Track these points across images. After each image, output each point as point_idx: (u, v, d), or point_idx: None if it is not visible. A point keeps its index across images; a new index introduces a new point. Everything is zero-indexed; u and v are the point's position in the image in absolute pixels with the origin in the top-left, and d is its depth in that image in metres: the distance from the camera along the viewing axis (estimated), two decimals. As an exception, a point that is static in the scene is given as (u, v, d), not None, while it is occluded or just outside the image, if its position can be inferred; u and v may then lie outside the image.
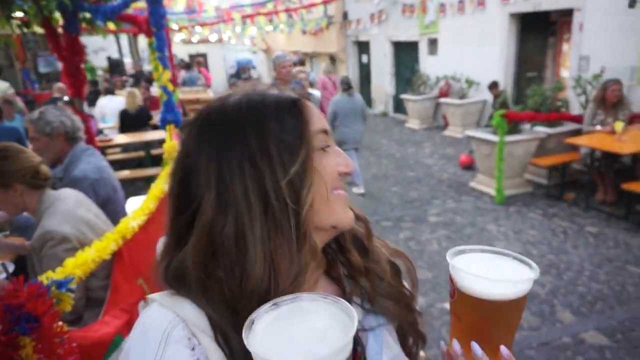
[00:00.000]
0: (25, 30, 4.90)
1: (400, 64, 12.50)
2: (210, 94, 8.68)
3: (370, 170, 7.49)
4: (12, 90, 7.25)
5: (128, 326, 1.81)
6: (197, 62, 14.01)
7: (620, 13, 6.05)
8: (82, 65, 5.01)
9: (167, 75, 4.10)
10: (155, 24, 3.96)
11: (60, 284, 1.52)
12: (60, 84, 7.71)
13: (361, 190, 6.33)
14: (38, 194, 1.99)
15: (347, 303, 0.53)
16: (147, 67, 14.42)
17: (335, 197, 0.66)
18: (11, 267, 2.21)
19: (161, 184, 2.93)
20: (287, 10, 13.26)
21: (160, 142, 5.77)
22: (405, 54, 12.05)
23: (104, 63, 15.39)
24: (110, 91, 8.38)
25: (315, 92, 6.15)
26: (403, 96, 11.40)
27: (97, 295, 2.02)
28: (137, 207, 2.62)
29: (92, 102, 8.40)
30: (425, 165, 7.68)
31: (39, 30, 5.01)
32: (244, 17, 12.12)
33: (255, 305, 0.54)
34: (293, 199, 0.61)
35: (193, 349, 0.55)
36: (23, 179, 1.93)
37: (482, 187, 6.11)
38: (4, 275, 2.17)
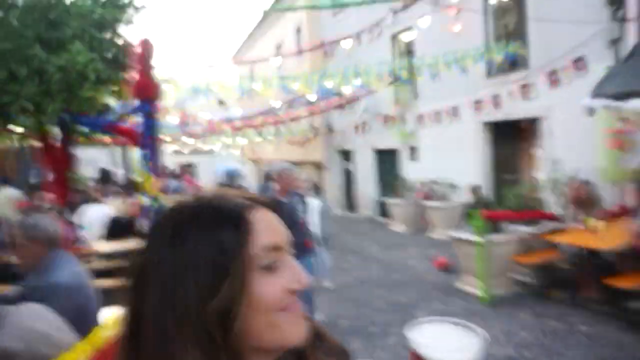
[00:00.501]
0: (23, 143, 5.15)
1: (383, 170, 13.06)
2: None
3: (355, 274, 7.42)
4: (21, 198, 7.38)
5: None
6: (184, 171, 14.46)
7: (581, 120, 6.58)
8: (70, 175, 5.18)
9: (152, 183, 4.24)
10: (147, 135, 4.20)
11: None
12: (44, 193, 7.81)
13: (328, 285, 6.36)
14: None
15: None
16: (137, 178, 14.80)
17: (282, 318, 0.61)
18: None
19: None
20: (275, 123, 14.14)
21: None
22: (387, 160, 12.66)
23: (96, 173, 15.79)
24: (96, 200, 8.48)
25: (314, 201, 5.87)
26: (386, 200, 11.73)
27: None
28: (112, 318, 2.54)
29: (74, 211, 8.43)
30: (410, 268, 7.66)
31: (35, 143, 5.26)
32: (234, 130, 12.84)
33: None
34: (219, 323, 0.57)
35: None
36: None
37: (468, 288, 6.05)
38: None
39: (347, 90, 10.77)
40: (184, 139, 15.31)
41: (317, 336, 0.72)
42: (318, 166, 15.65)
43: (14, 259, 3.64)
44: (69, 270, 2.69)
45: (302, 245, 4.22)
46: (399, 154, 12.06)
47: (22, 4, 3.94)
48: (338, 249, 8.28)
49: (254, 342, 0.59)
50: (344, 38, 10.41)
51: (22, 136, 4.86)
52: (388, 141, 12.27)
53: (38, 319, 2.07)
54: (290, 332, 0.62)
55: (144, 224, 6.71)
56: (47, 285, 2.52)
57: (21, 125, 4.45)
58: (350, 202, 14.99)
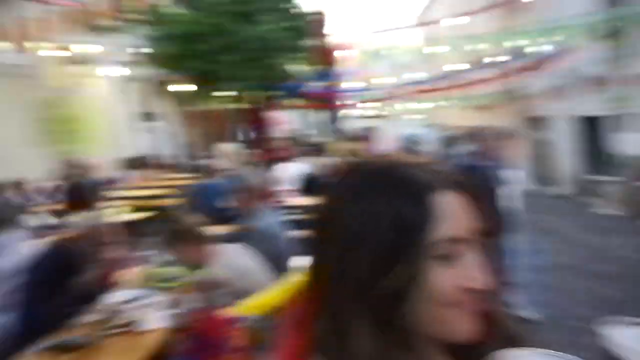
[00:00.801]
0: (233, 105, 6.00)
1: (585, 141, 11.27)
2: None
3: (552, 258, 6.65)
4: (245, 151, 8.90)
5: None
6: (366, 134, 14.88)
7: None
8: (268, 136, 5.82)
9: (335, 144, 4.48)
10: (334, 100, 4.43)
11: (233, 321, 1.73)
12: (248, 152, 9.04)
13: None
14: (206, 248, 2.37)
15: None
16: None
17: (451, 313, 0.56)
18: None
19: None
20: (460, 87, 13.38)
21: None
22: (590, 130, 10.86)
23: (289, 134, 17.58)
24: (290, 158, 9.42)
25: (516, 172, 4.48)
26: (591, 177, 10.14)
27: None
28: (302, 266, 2.84)
29: (272, 167, 9.51)
30: (621, 258, 6.53)
31: (242, 105, 6.05)
32: (417, 94, 12.62)
33: None
34: (387, 303, 0.55)
35: None
36: (192, 236, 2.32)
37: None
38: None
39: (541, 50, 9.44)
40: (367, 103, 15.72)
41: (491, 324, 0.63)
42: (506, 134, 14.37)
43: (230, 204, 4.33)
44: (270, 220, 3.09)
45: (497, 224, 3.74)
46: (606, 122, 10.19)
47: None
48: (531, 228, 7.60)
49: (420, 329, 0.57)
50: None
51: (230, 100, 5.65)
52: (592, 107, 10.46)
53: (242, 257, 2.47)
54: (458, 328, 0.57)
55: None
56: (256, 230, 2.96)
57: (228, 91, 5.16)
58: (543, 176, 13.45)
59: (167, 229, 2.48)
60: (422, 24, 19.71)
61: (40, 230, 5.03)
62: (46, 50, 6.81)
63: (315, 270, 0.62)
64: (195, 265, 2.52)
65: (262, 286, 2.29)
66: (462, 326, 0.57)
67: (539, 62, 10.66)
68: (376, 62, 9.58)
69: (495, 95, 14.06)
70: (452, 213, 0.57)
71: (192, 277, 2.89)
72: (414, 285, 0.55)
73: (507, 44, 8.78)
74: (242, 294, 2.20)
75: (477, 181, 0.62)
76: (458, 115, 17.62)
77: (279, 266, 2.79)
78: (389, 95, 14.00)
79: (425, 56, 9.70)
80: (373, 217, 0.57)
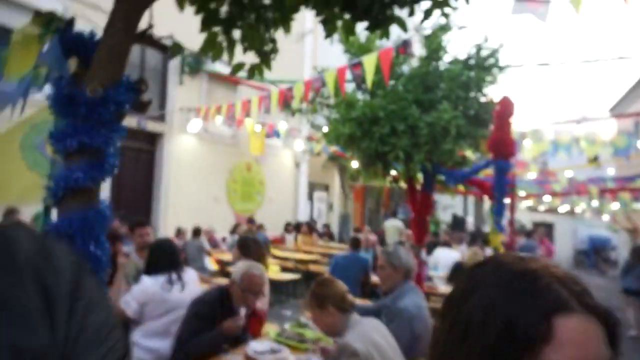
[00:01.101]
0: (395, 185, 6.20)
1: None
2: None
3: None
4: (404, 229, 9.14)
5: None
6: (536, 230, 13.48)
7: None
8: (428, 218, 5.79)
9: (499, 238, 4.21)
10: (498, 191, 4.25)
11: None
12: (408, 231, 9.03)
13: None
14: (345, 317, 2.42)
15: None
16: (486, 229, 14.97)
17: None
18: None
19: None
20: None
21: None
22: None
23: (448, 218, 17.00)
24: (447, 244, 9.09)
25: None
26: None
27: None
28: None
29: (429, 251, 9.29)
30: None
31: (403, 185, 6.22)
32: (603, 192, 11.11)
33: None
34: None
35: None
36: (334, 302, 2.40)
37: None
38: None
39: None
40: (543, 197, 14.41)
41: None
42: None
43: (371, 278, 4.36)
44: (415, 301, 3.03)
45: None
46: None
47: (407, 73, 4.84)
48: None
49: None
50: None
51: (395, 179, 5.84)
52: None
53: (378, 332, 2.46)
54: None
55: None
56: (395, 308, 2.93)
57: (395, 169, 5.37)
58: None
59: (313, 291, 2.62)
60: (616, 115, 17.67)
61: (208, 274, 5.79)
62: (248, 125, 8.25)
63: (433, 352, 0.64)
64: (331, 331, 2.61)
65: None
66: None
67: None
68: (558, 151, 8.83)
69: None
70: (576, 338, 0.52)
71: (324, 341, 2.99)
72: None
73: None
74: None
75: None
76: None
77: (412, 348, 2.69)
78: (570, 190, 12.62)
79: (618, 150, 8.57)
80: (488, 313, 0.56)
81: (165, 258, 3.15)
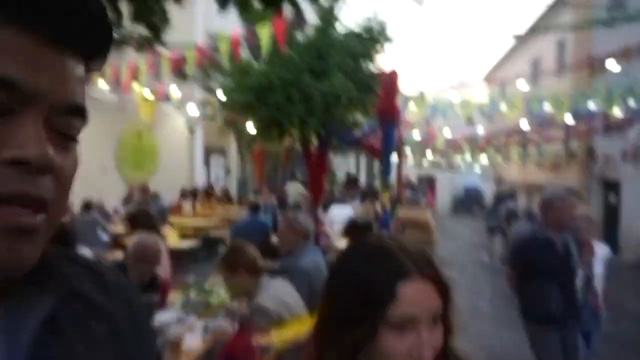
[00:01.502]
0: (292, 147, 6.38)
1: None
2: (428, 215, 9.04)
3: (613, 333, 6.00)
4: (304, 191, 9.33)
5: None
6: (423, 185, 14.84)
7: None
8: (324, 178, 6.10)
9: (387, 194, 4.65)
10: (385, 154, 4.65)
11: (262, 349, 1.94)
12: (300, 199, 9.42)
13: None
14: (256, 279, 2.59)
15: None
16: (377, 185, 16.06)
17: None
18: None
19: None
20: (523, 144, 13.15)
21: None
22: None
23: (342, 175, 17.88)
24: (341, 201, 9.66)
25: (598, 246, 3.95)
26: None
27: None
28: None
29: (325, 209, 9.79)
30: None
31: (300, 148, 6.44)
32: (478, 148, 12.55)
33: None
34: (350, 353, 0.75)
35: None
36: (246, 267, 2.57)
37: None
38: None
39: (616, 112, 9.18)
40: (426, 153, 15.81)
41: None
42: (573, 195, 13.73)
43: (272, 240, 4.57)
44: (313, 259, 3.29)
45: (574, 308, 3.18)
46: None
47: (301, 42, 4.97)
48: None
49: None
50: (621, 53, 8.88)
51: (289, 142, 6.05)
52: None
53: (285, 292, 2.66)
54: None
55: (378, 228, 7.32)
56: (295, 267, 3.17)
57: (291, 136, 5.55)
58: (612, 241, 12.61)
59: (225, 256, 2.68)
60: (490, 80, 19.71)
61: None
62: (137, 91, 7.74)
63: (320, 310, 0.83)
64: (243, 293, 2.74)
65: (296, 321, 2.47)
66: None
67: (611, 123, 10.32)
68: (437, 113, 9.77)
69: (560, 154, 13.63)
70: (412, 299, 0.72)
71: (232, 304, 3.13)
72: (370, 343, 0.73)
73: (578, 104, 8.65)
74: (278, 325, 2.40)
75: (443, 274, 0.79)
76: (519, 171, 17.16)
77: (311, 302, 2.96)
78: (448, 147, 14.03)
79: (488, 112, 9.72)
80: (353, 281, 0.76)
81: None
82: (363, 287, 0.75)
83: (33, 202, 0.41)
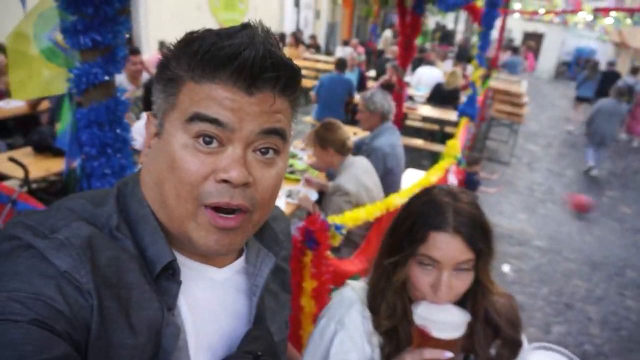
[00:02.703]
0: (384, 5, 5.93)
1: None
2: (523, 88, 8.38)
3: None
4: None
5: (366, 272, 2.44)
6: (528, 45, 13.40)
7: None
8: (415, 42, 5.77)
9: (479, 73, 4.40)
10: (485, 25, 4.25)
11: (337, 227, 2.24)
12: (394, 48, 8.96)
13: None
14: (342, 159, 2.79)
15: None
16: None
17: (427, 297, 0.96)
18: (315, 196, 3.15)
19: (440, 167, 3.45)
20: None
21: (456, 124, 6.17)
22: None
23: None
24: (431, 63, 9.17)
25: None
26: None
27: (355, 239, 2.74)
28: (409, 186, 3.21)
29: (414, 68, 9.38)
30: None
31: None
32: (597, 10, 10.72)
33: None
34: (391, 270, 0.99)
35: (363, 316, 1.03)
36: (335, 146, 2.74)
37: None
38: (315, 196, 3.14)
39: None
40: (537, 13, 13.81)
41: (493, 327, 0.99)
42: None
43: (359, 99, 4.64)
44: (389, 140, 3.41)
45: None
46: None
47: None
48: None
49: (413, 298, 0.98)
50: None
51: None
52: None
53: (367, 173, 2.87)
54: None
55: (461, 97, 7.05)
56: (372, 146, 3.34)
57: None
58: None
59: (317, 132, 2.81)
60: None
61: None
62: None
63: (383, 237, 1.07)
64: (327, 168, 2.98)
65: (371, 202, 2.71)
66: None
67: None
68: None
69: None
70: (434, 244, 0.92)
71: (310, 173, 3.47)
72: (402, 269, 0.96)
73: None
74: (356, 204, 2.65)
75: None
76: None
77: (385, 180, 3.18)
78: (565, 8, 12.10)
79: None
80: (408, 219, 0.97)
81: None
82: (408, 227, 0.95)
83: (235, 208, 0.61)
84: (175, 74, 0.60)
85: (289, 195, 3.10)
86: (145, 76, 4.77)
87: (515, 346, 0.99)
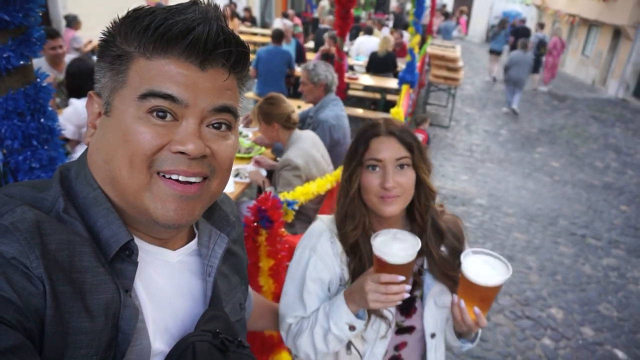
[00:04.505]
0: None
1: None
2: (457, 53, 8.62)
3: (598, 178, 6.53)
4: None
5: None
6: (460, 10, 13.73)
7: None
8: (352, 11, 5.71)
9: (416, 39, 4.45)
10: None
11: (289, 203, 2.21)
12: (331, 17, 8.86)
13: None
14: (288, 133, 2.74)
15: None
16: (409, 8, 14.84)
17: (377, 201, 1.15)
18: (264, 172, 3.10)
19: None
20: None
21: (397, 91, 6.25)
22: None
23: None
24: (369, 31, 9.18)
25: None
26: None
27: (308, 213, 2.73)
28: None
29: (352, 37, 9.35)
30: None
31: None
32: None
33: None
34: (348, 185, 1.18)
35: (331, 242, 1.20)
36: (280, 120, 2.68)
37: None
38: (264, 173, 3.07)
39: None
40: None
41: (439, 232, 1.21)
42: (617, 31, 12.67)
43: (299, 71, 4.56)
44: (334, 112, 3.40)
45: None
46: None
47: None
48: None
49: (368, 206, 1.16)
50: None
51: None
52: None
53: (314, 146, 2.84)
54: (381, 210, 1.12)
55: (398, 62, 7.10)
56: (317, 119, 3.31)
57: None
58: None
59: (261, 107, 2.73)
60: None
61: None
62: None
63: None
64: (274, 143, 2.92)
65: (323, 174, 2.69)
66: (382, 209, 1.11)
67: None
68: None
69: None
70: (376, 147, 1.12)
71: (257, 150, 3.39)
72: (356, 180, 1.14)
73: None
74: (306, 179, 2.63)
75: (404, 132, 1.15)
76: (567, 0, 15.48)
77: (332, 152, 3.18)
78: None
79: None
80: (354, 142, 1.17)
81: (89, 79, 3.10)
82: (355, 146, 1.16)
83: (192, 176, 0.61)
84: (123, 50, 0.59)
85: (237, 175, 3.02)
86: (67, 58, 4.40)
87: (458, 253, 1.20)
